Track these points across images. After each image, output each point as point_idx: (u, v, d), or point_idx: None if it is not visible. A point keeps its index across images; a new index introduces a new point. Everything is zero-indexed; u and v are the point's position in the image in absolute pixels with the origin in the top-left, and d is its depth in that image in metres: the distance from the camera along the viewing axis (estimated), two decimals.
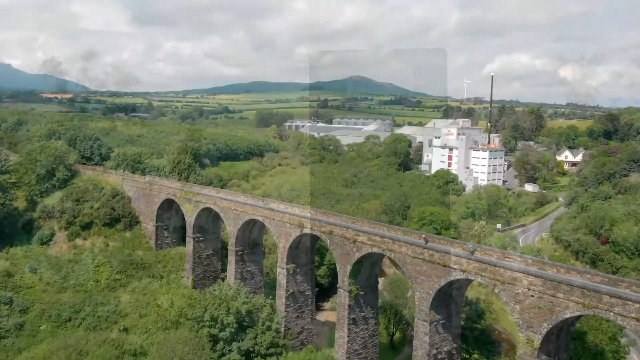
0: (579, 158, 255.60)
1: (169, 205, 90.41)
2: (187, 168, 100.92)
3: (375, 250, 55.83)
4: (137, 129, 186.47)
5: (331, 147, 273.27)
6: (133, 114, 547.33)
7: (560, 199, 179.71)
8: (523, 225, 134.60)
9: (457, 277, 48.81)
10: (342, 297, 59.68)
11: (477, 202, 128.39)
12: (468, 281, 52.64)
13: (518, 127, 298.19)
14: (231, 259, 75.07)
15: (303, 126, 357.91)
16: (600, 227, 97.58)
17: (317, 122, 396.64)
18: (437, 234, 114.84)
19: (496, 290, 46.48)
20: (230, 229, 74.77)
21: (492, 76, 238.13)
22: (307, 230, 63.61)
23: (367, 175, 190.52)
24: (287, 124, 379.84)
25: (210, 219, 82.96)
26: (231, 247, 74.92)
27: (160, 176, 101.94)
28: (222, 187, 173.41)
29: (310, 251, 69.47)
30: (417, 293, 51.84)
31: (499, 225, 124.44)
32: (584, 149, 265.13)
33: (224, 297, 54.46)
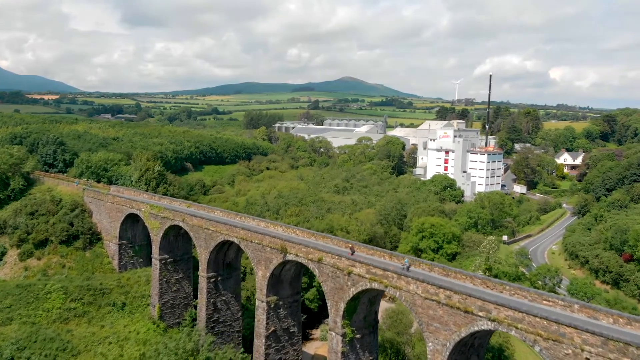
0: (578, 161, 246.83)
1: (133, 221, 78.56)
2: (156, 177, 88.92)
3: (375, 285, 44.62)
4: (113, 131, 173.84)
5: (322, 150, 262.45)
6: (119, 115, 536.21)
7: (564, 205, 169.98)
8: (529, 236, 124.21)
9: (483, 328, 37.66)
10: (333, 341, 48.34)
11: (480, 212, 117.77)
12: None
13: (515, 128, 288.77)
14: (202, 286, 63.47)
15: (293, 127, 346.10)
16: (621, 242, 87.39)
17: (308, 123, 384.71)
18: (438, 248, 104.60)
19: (537, 349, 35.34)
20: (201, 251, 63.16)
21: (490, 76, 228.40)
22: (291, 257, 52.25)
23: (360, 180, 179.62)
24: (277, 125, 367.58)
25: (180, 238, 71.29)
26: (202, 273, 63.32)
27: (127, 186, 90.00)
28: (205, 193, 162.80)
29: (295, 279, 58.14)
30: (430, 344, 40.63)
31: (505, 237, 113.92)
32: (583, 152, 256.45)
33: (181, 352, 43.00)
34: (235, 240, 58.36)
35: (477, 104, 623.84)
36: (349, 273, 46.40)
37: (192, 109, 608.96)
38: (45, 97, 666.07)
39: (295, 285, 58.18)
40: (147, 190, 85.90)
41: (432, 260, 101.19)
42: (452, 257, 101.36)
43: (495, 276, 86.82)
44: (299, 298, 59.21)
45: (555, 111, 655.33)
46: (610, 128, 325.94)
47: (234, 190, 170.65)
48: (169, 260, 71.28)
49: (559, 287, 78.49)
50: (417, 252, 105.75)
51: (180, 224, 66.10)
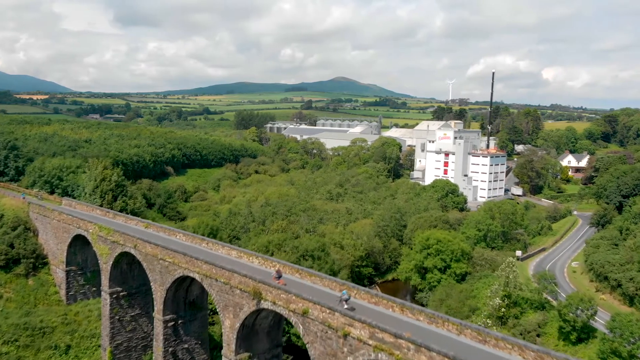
0: (582, 163, 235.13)
1: (84, 242, 65.05)
2: (113, 188, 75.25)
3: (383, 357, 31.56)
4: (87, 133, 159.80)
5: (314, 151, 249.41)
6: (108, 115, 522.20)
7: (574, 212, 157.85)
8: (543, 250, 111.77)
9: None
10: None
11: (490, 223, 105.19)
12: None
13: (516, 129, 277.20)
14: (158, 332, 50.24)
15: (285, 128, 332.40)
16: None
17: (300, 123, 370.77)
18: (445, 267, 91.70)
19: None
20: (156, 288, 49.92)
21: (493, 73, 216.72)
22: (267, 305, 39.16)
23: (355, 184, 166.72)
24: (269, 125, 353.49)
25: (135, 266, 57.98)
26: (157, 315, 50.08)
27: (82, 198, 76.40)
28: (186, 200, 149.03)
29: (274, 329, 45.02)
30: None
31: (518, 253, 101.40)
32: (588, 154, 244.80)
33: None
34: (197, 277, 45.18)
35: (471, 104, 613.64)
36: (345, 335, 33.36)
37: (183, 109, 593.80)
38: (34, 97, 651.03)
39: (274, 336, 45.05)
40: (101, 205, 72.34)
41: (439, 281, 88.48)
42: (462, 278, 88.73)
43: (515, 303, 74.26)
44: (280, 352, 46.01)
45: (550, 111, 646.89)
46: (612, 129, 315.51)
47: (218, 197, 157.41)
48: (122, 293, 57.95)
49: (593, 320, 66.14)
50: (422, 270, 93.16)
51: (132, 252, 52.76)
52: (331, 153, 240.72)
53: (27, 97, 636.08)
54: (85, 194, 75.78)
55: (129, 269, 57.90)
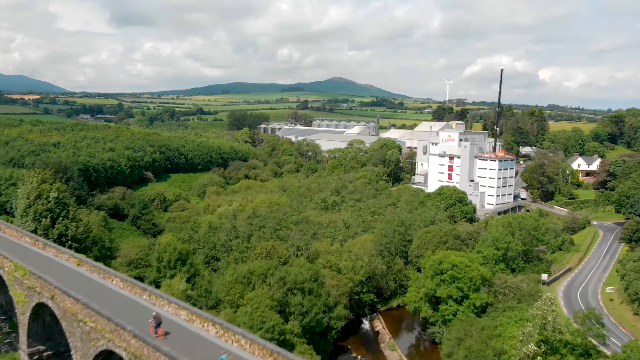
0: (593, 167, 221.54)
1: (4, 282, 50.43)
2: (51, 208, 60.26)
3: None
4: (57, 135, 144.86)
5: (310, 153, 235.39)
6: (99, 116, 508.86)
7: (593, 222, 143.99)
8: (569, 270, 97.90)
9: None
10: None
11: (510, 241, 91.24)
12: None
13: (521, 130, 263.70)
14: None
15: (280, 129, 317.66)
16: None
17: (295, 124, 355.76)
18: (462, 298, 77.57)
19: None
20: (77, 356, 35.36)
21: (502, 70, 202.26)
22: None
23: (353, 191, 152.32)
24: (262, 126, 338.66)
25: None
26: None
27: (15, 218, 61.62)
28: (165, 209, 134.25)
29: None
30: None
31: (544, 276, 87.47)
32: (599, 156, 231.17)
33: None
34: (124, 356, 30.66)
35: (468, 104, 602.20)
36: None
37: (177, 109, 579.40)
38: (26, 97, 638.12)
39: None
40: (35, 230, 57.58)
41: (455, 313, 74.16)
42: (482, 310, 74.51)
43: (551, 348, 60.18)
44: None
45: (549, 112, 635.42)
46: (618, 129, 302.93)
47: (202, 205, 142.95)
48: (46, 353, 43.48)
49: None
50: (433, 300, 78.93)
51: (50, 304, 38.24)
52: (327, 155, 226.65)
53: (19, 97, 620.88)
54: (17, 215, 61.05)
55: (54, 322, 43.31)
